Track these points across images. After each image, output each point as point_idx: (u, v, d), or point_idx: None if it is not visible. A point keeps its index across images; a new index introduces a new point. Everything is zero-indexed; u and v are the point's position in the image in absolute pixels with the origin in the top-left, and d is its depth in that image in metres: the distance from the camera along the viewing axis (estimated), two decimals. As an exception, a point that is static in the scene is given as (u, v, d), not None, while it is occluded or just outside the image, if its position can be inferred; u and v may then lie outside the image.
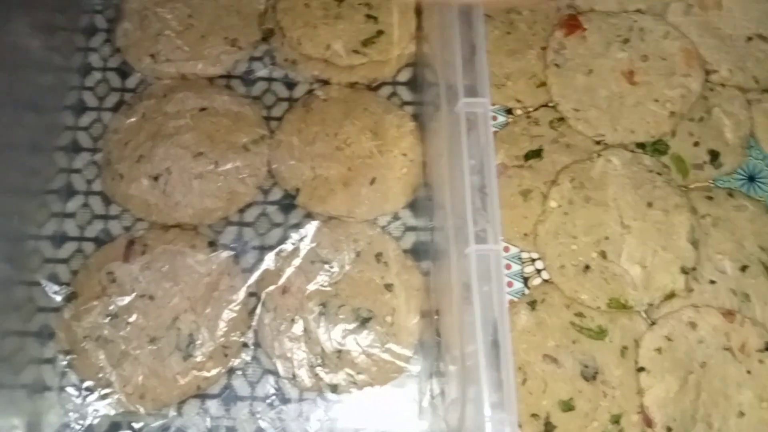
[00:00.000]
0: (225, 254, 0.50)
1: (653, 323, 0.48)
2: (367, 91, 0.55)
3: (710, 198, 0.52)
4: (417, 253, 0.51)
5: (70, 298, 0.48)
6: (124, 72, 0.55)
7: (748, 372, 0.47)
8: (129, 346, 0.47)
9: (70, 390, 0.47)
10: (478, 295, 0.37)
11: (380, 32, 0.55)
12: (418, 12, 0.56)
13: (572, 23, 0.56)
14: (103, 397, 0.46)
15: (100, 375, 0.46)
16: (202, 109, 0.53)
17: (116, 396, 0.46)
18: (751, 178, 0.53)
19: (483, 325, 0.37)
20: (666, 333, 0.48)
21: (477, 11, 0.42)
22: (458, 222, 0.41)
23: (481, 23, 0.42)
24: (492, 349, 0.36)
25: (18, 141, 0.48)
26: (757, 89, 0.55)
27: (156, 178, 0.51)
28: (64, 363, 0.47)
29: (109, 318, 0.47)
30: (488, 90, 0.41)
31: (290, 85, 0.55)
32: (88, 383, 0.47)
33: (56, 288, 0.49)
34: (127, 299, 0.47)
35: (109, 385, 0.46)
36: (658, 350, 0.47)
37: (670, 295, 0.49)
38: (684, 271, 0.49)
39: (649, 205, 0.51)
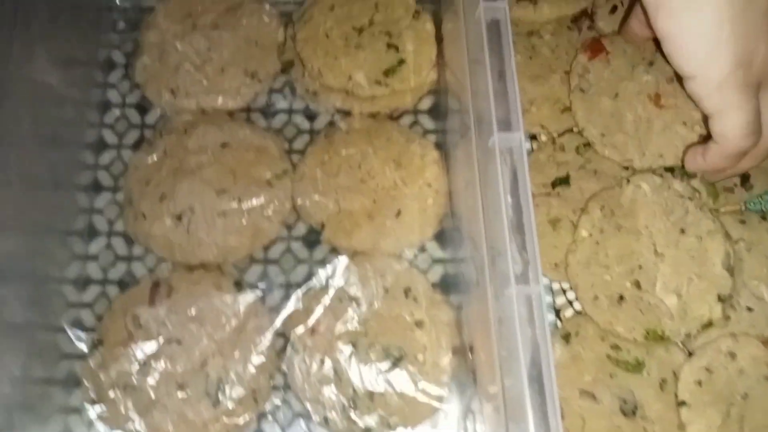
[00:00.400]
0: (251, 294, 0.49)
1: (690, 354, 0.47)
2: (388, 121, 0.54)
3: (743, 222, 0.51)
4: (446, 286, 0.50)
5: (95, 345, 0.47)
6: (143, 107, 0.55)
7: (791, 403, 0.46)
8: (157, 394, 0.45)
9: (99, 440, 0.46)
10: (520, 337, 0.36)
11: (401, 61, 0.54)
12: (439, 39, 0.55)
13: (596, 47, 0.54)
14: (133, 447, 0.45)
15: (129, 425, 0.45)
16: (224, 144, 0.52)
17: (146, 446, 0.45)
18: (784, 201, 0.52)
19: (527, 367, 0.35)
20: (705, 364, 0.47)
21: (506, 38, 0.41)
22: (492, 259, 0.40)
23: (511, 51, 0.41)
24: (537, 390, 0.35)
25: (40, 178, 0.47)
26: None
27: (179, 218, 0.50)
28: (92, 412, 0.46)
29: (137, 365, 0.46)
30: (521, 122, 0.40)
31: (311, 116, 0.54)
32: (116, 433, 0.46)
33: (81, 334, 0.48)
34: (154, 345, 0.46)
35: (138, 434, 0.45)
36: (698, 383, 0.46)
37: (708, 324, 0.47)
38: (721, 298, 0.48)
39: (682, 231, 0.49)
